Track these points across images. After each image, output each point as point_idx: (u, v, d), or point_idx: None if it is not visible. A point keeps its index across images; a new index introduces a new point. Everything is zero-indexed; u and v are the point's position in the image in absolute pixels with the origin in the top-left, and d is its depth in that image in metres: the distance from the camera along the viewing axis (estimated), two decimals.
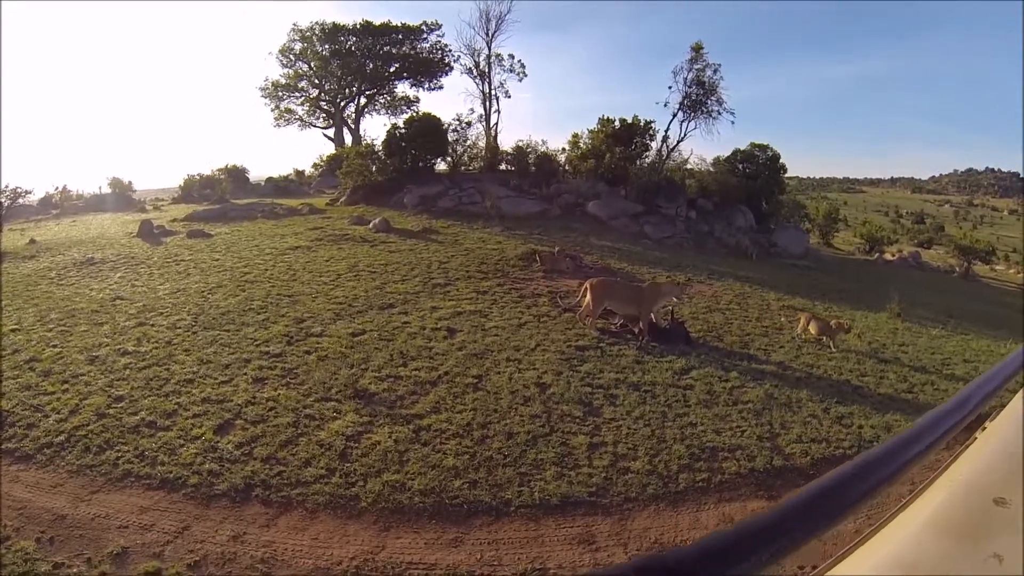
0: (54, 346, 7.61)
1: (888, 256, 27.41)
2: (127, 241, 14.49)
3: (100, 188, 25.28)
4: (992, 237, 56.24)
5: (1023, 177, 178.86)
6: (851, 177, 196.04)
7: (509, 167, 23.85)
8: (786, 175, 25.10)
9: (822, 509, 0.65)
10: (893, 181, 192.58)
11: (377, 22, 36.71)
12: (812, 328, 9.32)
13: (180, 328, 8.26)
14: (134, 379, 6.67)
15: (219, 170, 29.11)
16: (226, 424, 5.79)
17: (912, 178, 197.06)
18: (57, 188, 24.31)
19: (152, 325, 8.40)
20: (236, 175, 29.47)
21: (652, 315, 8.75)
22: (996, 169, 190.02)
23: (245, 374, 6.82)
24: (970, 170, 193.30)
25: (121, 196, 24.33)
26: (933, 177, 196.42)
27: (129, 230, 15.82)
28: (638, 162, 23.14)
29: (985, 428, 1.77)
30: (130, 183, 25.89)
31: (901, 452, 0.81)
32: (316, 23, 36.61)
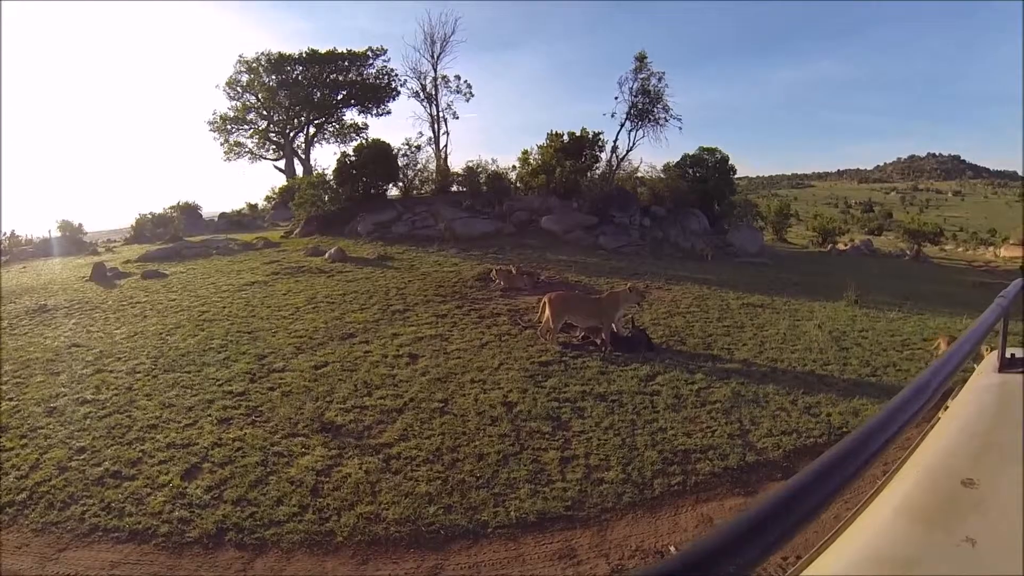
0: (9, 399, 7.33)
1: (841, 246, 28.22)
2: (80, 285, 14.08)
3: (49, 232, 24.56)
4: (939, 219, 58.18)
5: (963, 160, 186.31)
6: (799, 173, 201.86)
7: (461, 188, 23.89)
8: (736, 176, 25.57)
9: (802, 504, 0.69)
10: (840, 173, 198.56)
11: (323, 50, 36.59)
12: None
13: (139, 373, 8.05)
14: (95, 428, 6.45)
15: (171, 208, 28.56)
16: (193, 468, 5.65)
17: (858, 169, 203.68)
18: (4, 234, 23.64)
19: (111, 371, 8.16)
20: (189, 212, 28.91)
21: (613, 325, 8.82)
22: (937, 154, 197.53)
23: (209, 415, 6.67)
24: (912, 157, 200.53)
25: (72, 239, 23.67)
26: (878, 166, 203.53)
27: (82, 274, 15.37)
28: (589, 174, 23.42)
29: (947, 407, 1.84)
30: (80, 225, 25.36)
31: (869, 442, 0.85)
32: (262, 54, 36.21)
